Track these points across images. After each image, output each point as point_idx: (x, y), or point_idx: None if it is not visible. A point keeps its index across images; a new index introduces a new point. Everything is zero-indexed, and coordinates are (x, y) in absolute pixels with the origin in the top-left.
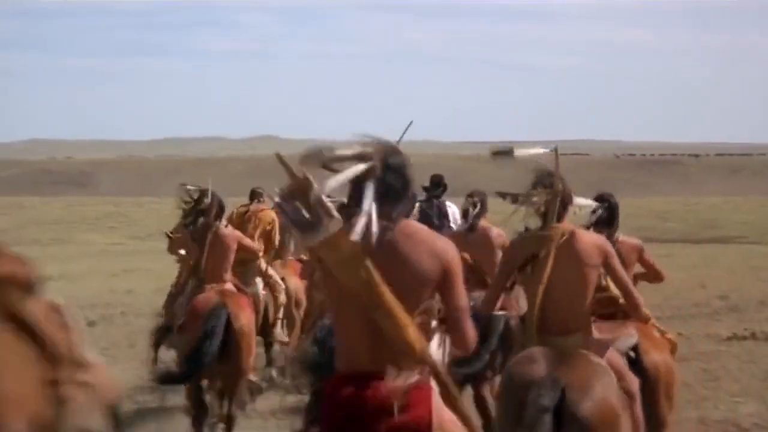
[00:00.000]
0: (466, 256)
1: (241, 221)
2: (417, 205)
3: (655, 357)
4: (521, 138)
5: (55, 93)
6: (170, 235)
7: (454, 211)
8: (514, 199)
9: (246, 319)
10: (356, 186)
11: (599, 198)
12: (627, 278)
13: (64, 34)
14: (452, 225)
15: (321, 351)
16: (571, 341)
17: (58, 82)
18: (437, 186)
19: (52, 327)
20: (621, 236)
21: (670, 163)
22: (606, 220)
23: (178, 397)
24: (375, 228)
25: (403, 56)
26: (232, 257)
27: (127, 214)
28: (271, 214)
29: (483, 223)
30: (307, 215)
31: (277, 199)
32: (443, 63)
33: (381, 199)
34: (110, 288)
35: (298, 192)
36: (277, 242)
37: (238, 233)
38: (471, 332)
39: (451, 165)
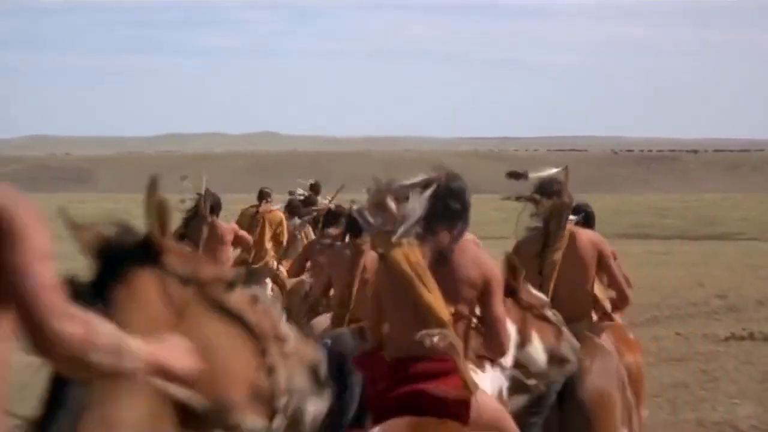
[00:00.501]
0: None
1: (250, 222)
2: None
3: (629, 359)
4: (520, 134)
5: (55, 89)
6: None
7: None
8: (518, 198)
9: None
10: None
11: (575, 209)
12: (618, 271)
13: (63, 31)
14: None
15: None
16: (578, 327)
17: (57, 78)
18: None
19: (255, 312)
20: None
21: (668, 159)
22: (583, 226)
23: None
24: (410, 228)
25: (402, 53)
26: (228, 249)
27: (127, 211)
28: (279, 215)
29: None
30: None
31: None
32: (443, 60)
33: (441, 216)
34: None
35: (375, 204)
36: (285, 242)
37: (233, 226)
38: (506, 339)
39: (449, 161)
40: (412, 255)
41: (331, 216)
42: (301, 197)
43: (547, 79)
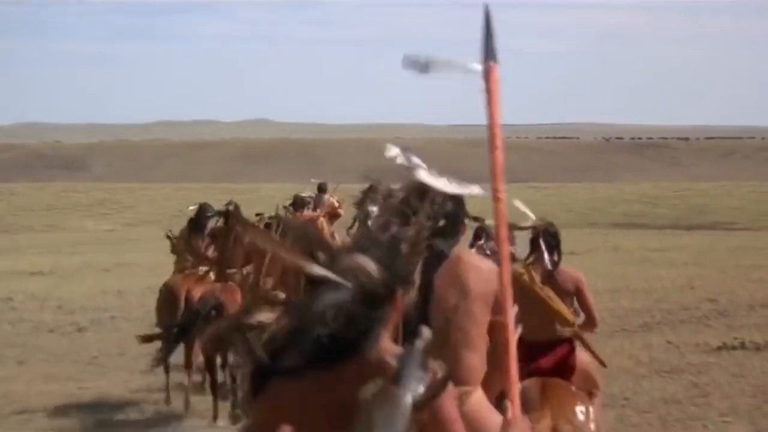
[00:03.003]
0: None
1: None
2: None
3: None
4: (511, 121)
5: (46, 76)
6: (170, 236)
7: None
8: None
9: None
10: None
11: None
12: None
13: (55, 17)
14: None
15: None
16: None
17: (48, 65)
18: None
19: None
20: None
21: (660, 147)
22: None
23: (168, 413)
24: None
25: (395, 41)
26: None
27: (120, 200)
28: (322, 221)
29: None
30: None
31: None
32: (435, 47)
33: (546, 251)
34: (102, 288)
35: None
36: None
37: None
38: (597, 317)
39: (443, 150)
40: (534, 277)
41: None
42: (310, 197)
43: (539, 66)
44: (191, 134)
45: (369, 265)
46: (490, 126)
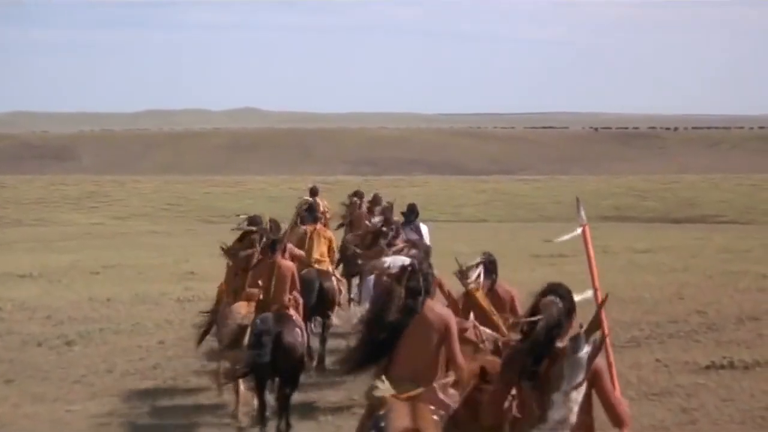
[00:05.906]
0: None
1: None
2: (401, 227)
3: None
4: (499, 111)
5: (34, 65)
6: (223, 248)
7: (426, 229)
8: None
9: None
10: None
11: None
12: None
13: (42, 5)
14: (426, 241)
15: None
16: None
17: (35, 53)
18: (412, 212)
19: None
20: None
21: (648, 137)
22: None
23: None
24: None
25: (382, 29)
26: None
27: (109, 193)
28: (329, 232)
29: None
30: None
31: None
32: (422, 36)
33: (489, 273)
34: (90, 295)
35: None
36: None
37: (290, 246)
38: None
39: (430, 139)
40: (480, 293)
41: None
42: (305, 206)
43: (527, 54)
44: (179, 123)
45: (557, 301)
46: (590, 270)
